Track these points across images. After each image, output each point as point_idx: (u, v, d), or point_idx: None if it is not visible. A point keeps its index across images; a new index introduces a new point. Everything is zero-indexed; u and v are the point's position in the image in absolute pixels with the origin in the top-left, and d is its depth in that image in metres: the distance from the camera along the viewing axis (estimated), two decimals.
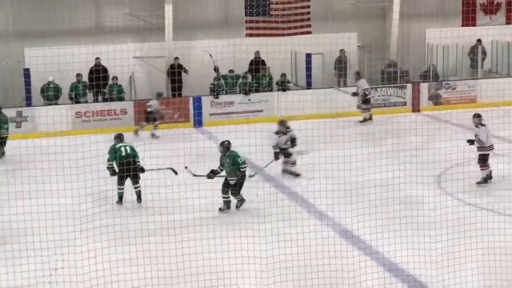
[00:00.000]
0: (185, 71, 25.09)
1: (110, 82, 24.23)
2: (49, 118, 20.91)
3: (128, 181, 15.18)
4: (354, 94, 24.03)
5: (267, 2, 25.58)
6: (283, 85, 25.16)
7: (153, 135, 22.55)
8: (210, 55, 24.32)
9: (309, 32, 25.88)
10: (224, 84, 24.85)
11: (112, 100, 24.13)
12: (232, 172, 14.20)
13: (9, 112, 22.97)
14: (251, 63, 25.58)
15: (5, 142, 19.71)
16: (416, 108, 25.68)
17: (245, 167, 14.31)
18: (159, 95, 23.11)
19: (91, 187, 14.71)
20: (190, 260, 11.03)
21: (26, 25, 24.80)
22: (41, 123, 22.39)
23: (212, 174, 14.37)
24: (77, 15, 25.14)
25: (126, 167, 14.71)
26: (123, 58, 22.58)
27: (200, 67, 25.06)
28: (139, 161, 15.20)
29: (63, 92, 24.00)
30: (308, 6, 25.97)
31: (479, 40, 27.23)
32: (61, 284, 10.45)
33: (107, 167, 15.20)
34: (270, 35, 25.34)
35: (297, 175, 16.76)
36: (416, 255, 10.94)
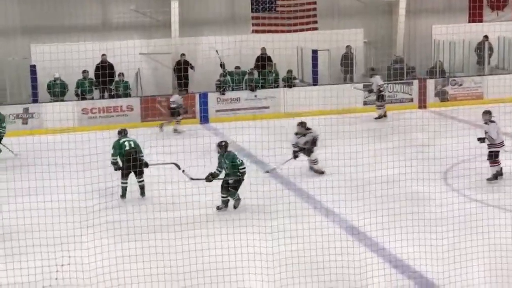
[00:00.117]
0: (192, 68, 25.08)
1: (116, 78, 24.24)
2: (56, 114, 20.92)
3: (132, 176, 15.26)
4: (369, 91, 24.00)
5: None
6: (290, 82, 25.14)
7: (175, 131, 22.61)
8: (217, 51, 24.30)
9: (316, 29, 25.86)
10: (230, 80, 24.85)
11: (118, 96, 24.15)
12: (231, 172, 14.18)
13: (16, 109, 23.08)
14: (257, 60, 25.58)
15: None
16: (422, 105, 25.64)
17: (244, 168, 14.27)
18: (181, 90, 23.18)
19: (97, 184, 14.77)
20: (196, 256, 11.02)
21: (33, 21, 24.83)
22: (48, 119, 22.40)
23: (211, 177, 14.32)
24: (83, 12, 25.13)
25: (131, 162, 14.82)
26: (129, 54, 22.60)
27: (206, 63, 25.05)
28: (143, 156, 15.30)
29: (69, 89, 24.02)
30: (315, 3, 25.92)
31: (486, 36, 27.14)
32: (67, 280, 10.45)
33: (111, 162, 15.30)
34: (276, 31, 25.31)
35: (321, 172, 16.64)
36: (423, 251, 10.92)
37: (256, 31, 25.44)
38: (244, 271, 10.51)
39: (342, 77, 26.67)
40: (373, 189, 12.24)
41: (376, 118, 23.64)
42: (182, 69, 24.02)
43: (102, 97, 24.43)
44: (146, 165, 15.33)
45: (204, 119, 24.22)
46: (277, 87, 25.31)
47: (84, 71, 23.76)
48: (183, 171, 14.29)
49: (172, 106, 22.71)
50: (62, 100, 23.76)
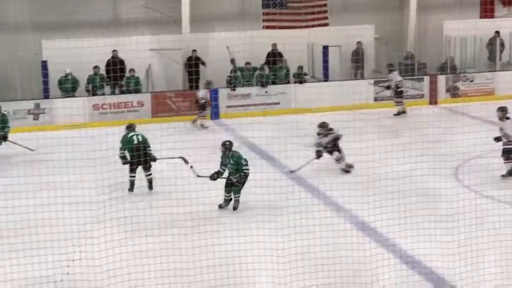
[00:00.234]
0: (203, 64, 25.07)
1: (127, 74, 24.28)
2: (66, 110, 20.98)
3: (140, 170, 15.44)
4: (387, 87, 23.95)
5: None
6: (300, 78, 25.12)
7: (202, 126, 22.68)
8: (227, 47, 24.31)
9: (326, 24, 25.83)
10: (241, 76, 24.86)
11: (129, 92, 24.18)
12: (234, 172, 14.14)
13: (27, 104, 23.15)
14: (268, 55, 25.57)
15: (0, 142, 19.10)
16: (433, 101, 25.60)
17: (247, 169, 14.14)
18: (208, 84, 23.22)
19: (108, 179, 14.78)
20: (207, 252, 11.03)
21: (44, 17, 24.87)
22: (59, 115, 22.48)
23: (216, 175, 14.31)
24: (94, 8, 25.15)
25: (138, 156, 14.99)
26: (140, 50, 22.67)
27: (217, 59, 25.04)
28: (150, 150, 15.45)
29: (80, 84, 24.08)
30: None
31: (497, 32, 27.06)
32: (78, 275, 10.49)
33: (120, 156, 15.44)
34: (287, 27, 25.30)
35: (347, 171, 16.47)
36: (434, 247, 10.91)
37: (267, 27, 25.43)
38: (255, 266, 10.52)
39: (353, 73, 26.63)
40: (384, 185, 12.20)
41: (395, 115, 23.46)
42: (193, 64, 24.05)
43: (113, 93, 24.47)
44: (154, 159, 15.51)
45: (215, 115, 24.23)
46: (288, 83, 25.31)
47: (95, 67, 23.80)
48: (191, 166, 14.31)
49: (202, 101, 22.82)
50: (73, 96, 23.81)
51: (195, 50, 25.02)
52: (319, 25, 25.67)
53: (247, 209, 13.78)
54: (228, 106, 24.55)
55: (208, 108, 23.24)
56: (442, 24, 27.33)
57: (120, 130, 16.27)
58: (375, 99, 25.19)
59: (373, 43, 27.22)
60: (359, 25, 26.55)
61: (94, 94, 24.07)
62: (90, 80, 24.07)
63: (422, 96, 25.62)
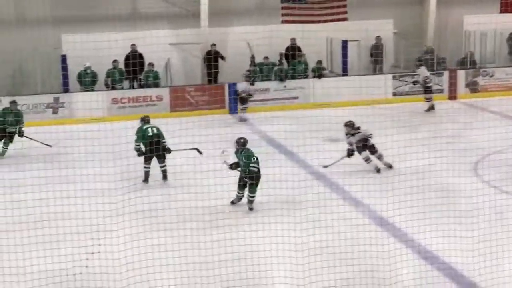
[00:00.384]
0: (222, 58, 25.07)
1: (146, 68, 24.33)
2: (86, 104, 21.07)
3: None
4: (415, 82, 23.83)
5: None
6: (319, 72, 25.08)
7: (241, 118, 22.81)
8: (248, 43, 24.30)
9: (345, 19, 25.74)
10: (259, 70, 24.87)
11: (148, 86, 24.23)
12: (245, 170, 14.02)
13: (46, 98, 23.25)
14: (287, 50, 25.53)
15: (12, 138, 18.84)
16: (453, 96, 25.46)
17: (254, 167, 13.87)
18: (247, 76, 23.34)
19: (127, 172, 14.84)
20: (225, 246, 11.05)
21: (63, 11, 24.95)
22: (78, 109, 22.58)
23: (234, 166, 14.28)
24: (113, 2, 25.18)
25: (153, 146, 15.26)
26: (159, 44, 22.70)
27: (236, 53, 25.04)
28: (165, 141, 15.69)
29: (99, 78, 24.16)
30: None
31: None
32: (97, 268, 10.53)
33: (135, 148, 15.64)
34: (306, 21, 25.24)
35: (378, 171, 16.27)
36: (452, 243, 10.87)
37: (286, 21, 25.38)
38: (273, 261, 10.53)
39: (372, 67, 26.57)
40: (403, 180, 12.17)
41: (426, 111, 23.18)
42: (212, 59, 24.09)
43: (132, 87, 24.54)
44: (169, 150, 15.72)
45: (234, 109, 24.22)
46: (307, 77, 25.27)
47: (114, 61, 23.87)
48: (223, 152, 14.27)
49: (242, 94, 22.88)
50: (92, 90, 23.90)
51: (214, 44, 25.03)
52: (338, 20, 25.57)
53: (265, 203, 13.78)
54: None
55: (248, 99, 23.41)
56: (462, 18, 27.17)
57: (139, 124, 16.36)
58: (394, 94, 25.12)
59: (392, 38, 27.12)
60: (378, 19, 26.45)
61: (113, 88, 24.15)
62: (109, 74, 24.15)
63: (441, 91, 25.45)
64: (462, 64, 26.51)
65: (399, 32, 27.14)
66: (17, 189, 12.00)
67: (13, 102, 19.29)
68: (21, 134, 18.45)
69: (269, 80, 24.87)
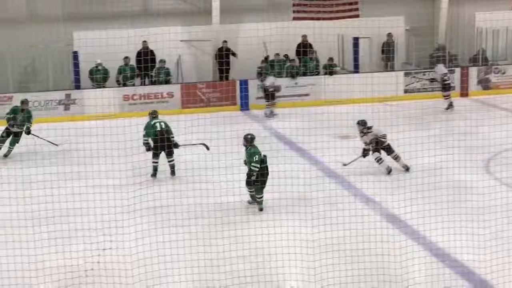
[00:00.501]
0: (234, 55, 25.08)
1: (157, 65, 24.36)
2: (97, 100, 21.10)
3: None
4: (432, 80, 23.73)
5: None
6: (330, 69, 25.05)
7: (271, 113, 22.87)
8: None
9: (357, 16, 25.71)
10: (270, 67, 24.87)
11: (159, 83, 24.28)
12: (249, 167, 13.82)
13: (58, 95, 23.32)
14: (298, 46, 25.52)
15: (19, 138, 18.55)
16: (464, 93, 25.39)
17: (256, 167, 13.54)
18: (272, 71, 23.44)
19: (138, 169, 14.88)
20: (236, 242, 11.07)
21: (75, 8, 24.98)
22: (89, 105, 22.60)
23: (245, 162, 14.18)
24: None
25: (161, 142, 15.40)
26: (170, 40, 22.71)
27: (247, 50, 25.03)
28: (173, 137, 15.81)
29: (111, 75, 24.20)
30: None
31: None
32: (109, 264, 10.57)
33: (143, 143, 15.73)
34: (318, 18, 25.20)
35: (389, 172, 16.12)
36: (464, 240, 10.83)
37: (297, 18, 25.36)
38: (284, 257, 10.53)
39: (383, 64, 26.53)
40: (414, 177, 12.17)
41: (446, 109, 22.97)
42: (223, 55, 24.10)
43: (143, 84, 24.58)
44: (177, 145, 15.88)
45: (245, 106, 24.24)
46: (318, 74, 25.24)
47: (126, 58, 23.91)
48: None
49: (270, 89, 22.92)
50: (104, 87, 23.93)
51: (225, 41, 25.05)
52: (349, 17, 25.56)
53: (276, 200, 13.78)
54: (258, 98, 24.52)
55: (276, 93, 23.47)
56: (474, 15, 27.08)
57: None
58: (406, 91, 25.07)
59: (404, 35, 27.06)
60: (390, 16, 26.39)
61: (124, 85, 24.19)
62: (121, 71, 24.20)
63: (453, 88, 25.36)
64: (473, 61, 26.43)
65: (410, 29, 27.08)
66: (29, 185, 12.07)
67: (25, 101, 18.89)
68: (28, 132, 18.19)
69: (281, 77, 24.85)
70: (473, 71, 25.74)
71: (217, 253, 10.78)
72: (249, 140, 13.88)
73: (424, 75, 25.06)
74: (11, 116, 18.35)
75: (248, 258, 10.73)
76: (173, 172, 16.03)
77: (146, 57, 22.71)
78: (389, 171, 15.70)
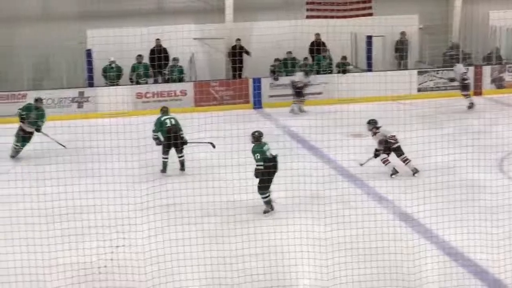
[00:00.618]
0: (247, 53, 25.09)
1: (170, 63, 24.40)
2: (111, 98, 21.16)
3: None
4: (452, 79, 23.65)
5: None
6: (343, 67, 25.02)
7: (300, 110, 22.83)
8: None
9: (370, 14, 25.64)
10: (283, 65, 24.87)
11: (172, 81, 24.33)
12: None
13: (71, 93, 23.40)
14: (311, 45, 25.49)
15: (30, 138, 18.34)
16: (478, 91, 25.28)
17: (259, 166, 13.30)
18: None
19: (152, 166, 14.90)
20: (249, 240, 11.09)
21: (89, 7, 25.06)
22: (103, 103, 22.66)
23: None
24: None
25: (171, 138, 15.56)
26: (184, 38, 22.74)
27: (260, 48, 25.04)
28: (182, 133, 15.97)
29: (124, 73, 24.26)
30: None
31: None
32: (122, 261, 10.60)
33: (153, 137, 15.96)
34: (331, 17, 25.16)
35: (392, 174, 16.06)
36: (477, 239, 10.80)
37: (311, 17, 25.33)
38: (297, 255, 10.53)
39: (396, 63, 26.47)
40: (427, 176, 12.14)
41: (468, 108, 22.85)
42: (237, 53, 24.11)
43: (156, 82, 24.63)
44: (186, 142, 16.01)
45: (257, 104, 24.25)
46: (331, 73, 25.21)
47: (139, 56, 23.96)
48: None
49: (299, 85, 22.95)
50: (117, 84, 23.99)
51: (239, 39, 25.07)
52: (363, 15, 25.49)
53: (289, 198, 13.78)
54: (271, 96, 24.53)
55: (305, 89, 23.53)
56: (488, 13, 26.98)
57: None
58: (419, 90, 25.02)
59: (418, 33, 27.00)
60: (404, 15, 26.33)
61: (137, 83, 24.24)
62: (134, 69, 24.25)
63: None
64: (487, 59, 26.34)
65: (424, 28, 27.01)
66: (43, 183, 12.08)
67: (39, 99, 18.70)
68: (38, 130, 17.97)
69: (294, 75, 24.84)
70: (487, 70, 25.65)
71: (229, 251, 10.80)
72: (256, 137, 13.72)
73: (438, 73, 24.97)
74: (24, 113, 18.21)
75: (261, 256, 10.73)
76: (182, 168, 16.22)
77: (159, 55, 22.76)
78: (391, 174, 15.55)
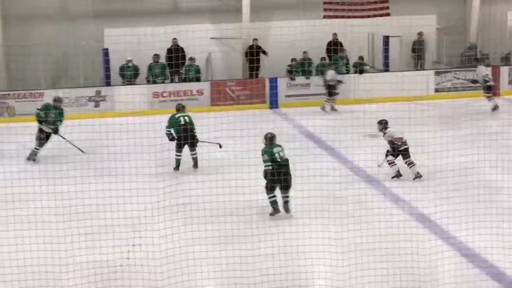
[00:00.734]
0: (264, 53, 25.10)
1: (187, 62, 24.45)
2: (127, 97, 21.21)
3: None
4: (474, 81, 23.54)
5: None
6: (360, 68, 24.98)
7: (332, 109, 22.85)
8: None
9: (388, 14, 25.61)
10: (300, 65, 24.87)
11: (189, 80, 24.37)
12: None
13: (88, 91, 23.49)
14: (329, 45, 25.46)
15: (48, 139, 18.02)
16: (496, 92, 25.14)
17: (267, 167, 13.15)
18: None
19: (168, 166, 14.93)
20: (266, 240, 11.08)
21: (106, 6, 25.15)
22: (120, 101, 22.73)
23: None
24: None
25: (184, 135, 15.65)
26: (200, 38, 22.77)
27: (277, 48, 25.03)
28: (195, 131, 16.07)
29: (141, 72, 24.32)
30: None
31: None
32: (139, 260, 10.61)
33: (166, 133, 16.09)
34: (348, 17, 25.13)
35: (393, 176, 15.96)
36: (494, 241, 10.75)
37: (328, 17, 25.31)
38: (312, 256, 10.52)
39: (413, 63, 26.40)
40: (444, 177, 12.08)
41: (493, 110, 22.69)
42: (254, 53, 24.12)
43: (172, 81, 24.68)
44: (197, 140, 16.13)
45: (274, 103, 24.25)
46: (348, 73, 25.17)
47: (156, 55, 24.01)
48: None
49: (331, 83, 22.99)
50: (134, 84, 24.06)
51: (256, 39, 25.08)
52: (380, 15, 25.46)
53: (305, 198, 13.76)
54: (287, 96, 24.53)
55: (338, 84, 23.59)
56: (506, 14, 26.86)
57: None
58: (436, 90, 24.94)
59: (435, 34, 26.92)
60: (421, 15, 26.26)
61: (154, 82, 24.30)
62: (151, 68, 24.30)
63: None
64: (505, 60, 26.24)
65: (442, 28, 26.92)
66: (60, 181, 12.13)
67: (58, 99, 18.31)
68: (56, 131, 17.76)
69: (310, 75, 24.84)
70: (505, 71, 25.54)
71: (245, 251, 10.79)
72: (267, 139, 13.60)
73: (456, 74, 24.87)
74: (43, 113, 17.87)
75: (277, 256, 10.73)
76: (195, 165, 16.30)
77: (176, 54, 22.81)
78: (393, 176, 15.43)
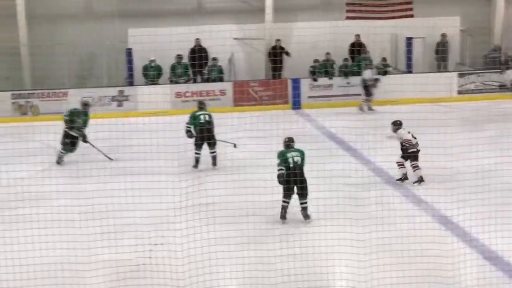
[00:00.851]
0: (287, 54, 25.10)
1: (210, 62, 24.49)
2: (150, 97, 21.29)
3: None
4: (502, 85, 23.39)
5: None
6: (383, 69, 24.91)
7: (369, 109, 22.94)
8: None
9: (411, 16, 25.51)
10: (323, 66, 24.86)
11: (212, 80, 24.43)
12: None
13: (112, 91, 23.59)
14: (352, 46, 25.42)
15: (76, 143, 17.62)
16: None
17: (280, 170, 12.90)
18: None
19: (190, 165, 14.95)
20: (288, 240, 11.08)
21: (130, 6, 25.26)
22: (143, 101, 22.81)
23: None
24: None
25: (204, 133, 15.84)
26: (223, 38, 22.82)
27: (299, 49, 25.03)
28: (214, 129, 16.23)
29: (164, 72, 24.40)
30: None
31: None
32: (160, 259, 10.64)
33: (185, 130, 16.18)
34: (371, 18, 25.07)
35: (397, 179, 15.87)
36: None
37: (351, 18, 25.25)
38: (334, 256, 10.50)
39: (436, 65, 26.29)
40: (467, 179, 12.02)
41: None
42: (277, 54, 24.13)
43: (195, 81, 24.74)
44: (215, 139, 16.29)
45: (296, 104, 24.25)
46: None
47: (179, 55, 24.08)
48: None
49: (369, 83, 23.02)
50: (157, 83, 24.14)
51: (279, 40, 25.09)
52: (403, 17, 25.37)
53: (327, 199, 13.76)
54: (310, 97, 24.52)
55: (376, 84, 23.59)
56: None
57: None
58: (459, 92, 24.81)
59: (459, 35, 26.78)
60: (445, 16, 26.15)
61: (177, 82, 24.37)
62: (174, 68, 24.38)
63: (508, 89, 25.04)
64: None
65: (466, 30, 26.78)
66: (83, 180, 12.23)
67: (86, 104, 18.11)
68: (84, 139, 17.45)
69: (333, 75, 24.81)
70: None
71: (267, 251, 10.80)
72: (284, 142, 13.45)
73: (479, 76, 24.75)
74: (69, 119, 17.46)
75: (299, 256, 10.72)
76: (214, 163, 16.38)
77: (199, 54, 22.87)
78: (398, 179, 15.34)
